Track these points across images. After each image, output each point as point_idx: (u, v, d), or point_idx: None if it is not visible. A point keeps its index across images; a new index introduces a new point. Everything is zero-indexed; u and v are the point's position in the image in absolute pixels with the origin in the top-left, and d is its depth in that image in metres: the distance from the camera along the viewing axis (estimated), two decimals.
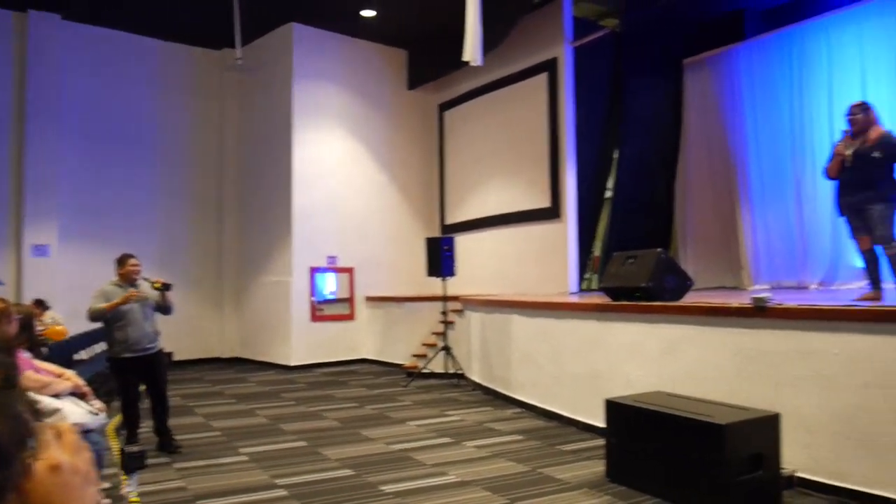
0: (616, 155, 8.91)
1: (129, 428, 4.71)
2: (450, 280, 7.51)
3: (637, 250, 5.21)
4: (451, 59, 7.84)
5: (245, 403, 6.51)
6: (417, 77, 10.07)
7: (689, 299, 4.86)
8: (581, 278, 8.50)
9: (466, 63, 6.74)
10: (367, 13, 8.90)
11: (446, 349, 7.41)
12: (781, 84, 8.05)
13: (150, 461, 3.84)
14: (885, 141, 4.52)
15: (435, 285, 7.97)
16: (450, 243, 7.57)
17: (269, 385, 7.66)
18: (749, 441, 3.27)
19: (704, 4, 8.40)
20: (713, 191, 8.81)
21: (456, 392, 6.90)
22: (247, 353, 9.80)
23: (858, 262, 7.15)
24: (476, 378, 7.05)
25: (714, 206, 8.80)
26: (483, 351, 6.84)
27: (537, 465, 4.14)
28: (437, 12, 8.30)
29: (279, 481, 3.91)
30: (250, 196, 9.93)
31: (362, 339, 9.52)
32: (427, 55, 9.75)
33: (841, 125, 7.32)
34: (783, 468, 3.41)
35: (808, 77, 7.79)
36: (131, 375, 4.73)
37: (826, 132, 7.56)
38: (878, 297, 4.44)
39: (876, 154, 4.50)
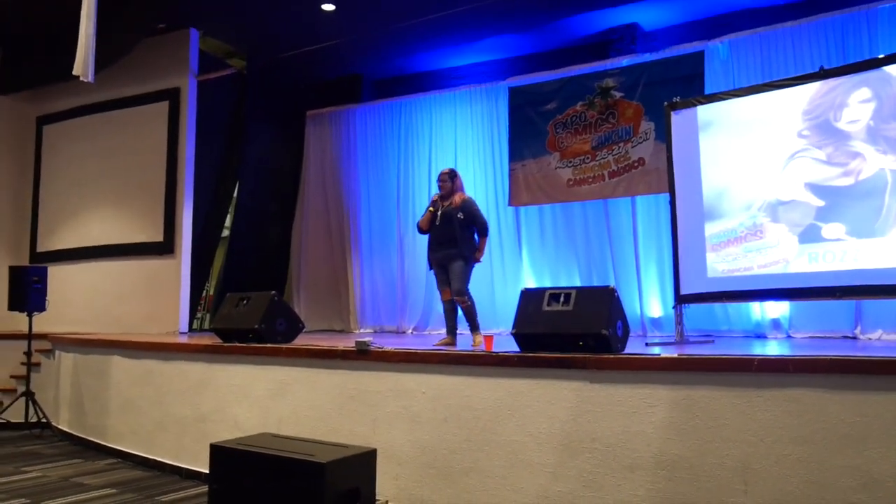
0: (235, 195, 8.87)
1: None
2: (38, 316, 6.61)
3: (251, 292, 5.24)
4: (56, 68, 7.03)
5: None
6: (12, 82, 8.74)
7: (300, 342, 5.03)
8: (192, 318, 8.20)
9: (75, 76, 6.13)
10: None
11: (28, 395, 6.46)
12: (391, 148, 8.94)
13: None
14: (466, 206, 5.39)
15: (19, 321, 6.94)
16: (40, 274, 6.68)
17: None
18: (348, 477, 3.46)
19: (325, 64, 8.93)
20: (327, 239, 9.30)
21: (39, 444, 6.03)
22: None
23: None
24: (65, 427, 6.27)
25: (327, 254, 9.28)
26: (75, 396, 6.13)
27: None
28: (43, 12, 7.39)
29: None
30: None
31: None
32: (26, 58, 8.55)
33: (438, 191, 8.48)
34: (378, 499, 3.69)
35: (413, 145, 8.79)
36: None
37: (426, 196, 8.59)
38: (452, 343, 5.20)
39: (459, 215, 5.31)
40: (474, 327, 5.35)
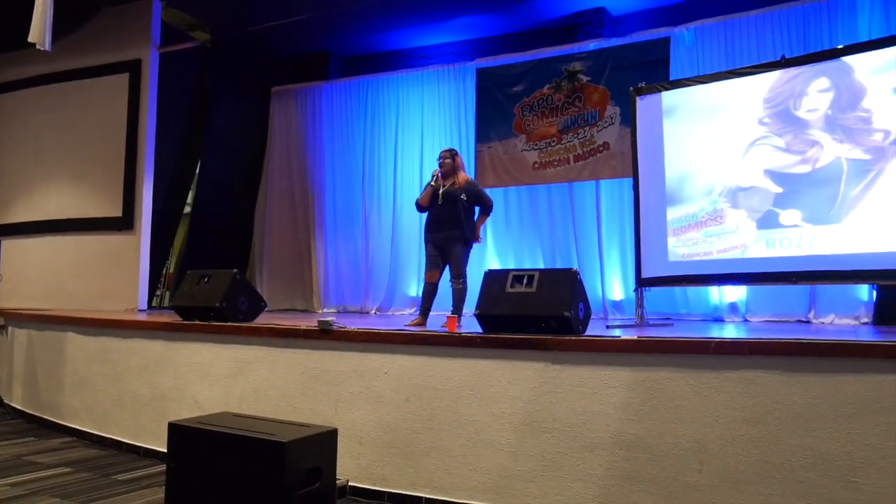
0: (197, 171, 8.72)
1: None
2: None
3: (212, 270, 5.17)
4: (10, 35, 6.80)
5: None
6: None
7: (262, 320, 4.99)
8: (152, 295, 8.07)
9: (32, 44, 5.94)
10: None
11: None
12: (357, 127, 8.87)
13: None
14: (470, 187, 5.41)
15: None
16: None
17: None
18: (308, 456, 3.46)
19: (292, 39, 8.80)
20: (292, 218, 9.21)
21: None
22: None
23: (411, 292, 8.23)
24: (18, 405, 6.14)
25: (291, 233, 9.20)
26: (29, 373, 6.00)
27: (86, 498, 3.79)
28: None
29: None
30: None
31: None
32: None
33: (404, 171, 8.47)
34: (338, 479, 3.70)
35: (379, 125, 8.73)
36: None
37: (391, 176, 8.57)
38: (422, 323, 5.16)
39: (463, 196, 5.29)
40: (459, 311, 5.27)
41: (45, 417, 5.71)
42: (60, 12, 6.04)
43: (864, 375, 2.88)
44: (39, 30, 5.85)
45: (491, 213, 5.57)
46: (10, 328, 6.56)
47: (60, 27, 6.30)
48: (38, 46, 5.89)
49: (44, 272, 7.99)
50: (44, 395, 5.78)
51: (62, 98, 8.22)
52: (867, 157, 4.78)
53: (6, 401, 6.36)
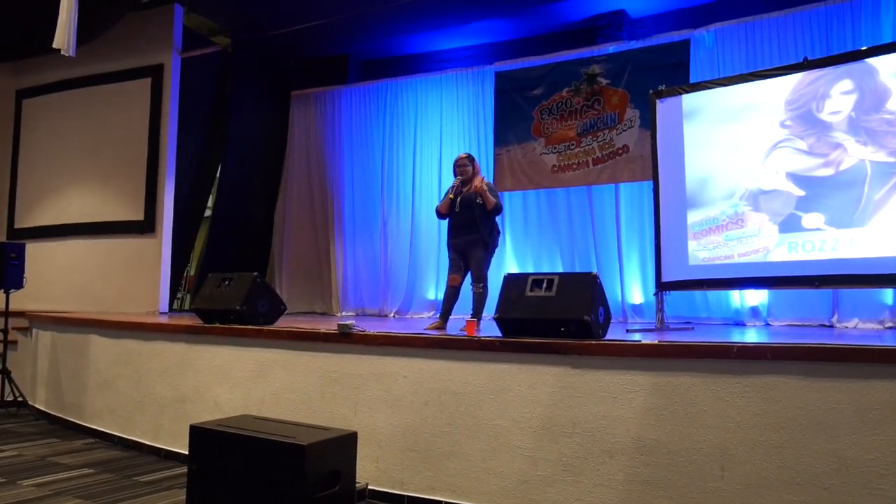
0: (218, 175, 8.79)
1: None
2: (16, 293, 6.53)
3: (233, 273, 5.21)
4: (36, 40, 6.90)
5: None
6: None
7: (282, 323, 5.02)
8: (173, 298, 8.15)
9: (56, 50, 6.03)
10: None
11: (5, 373, 6.40)
12: (376, 130, 8.89)
13: None
14: (486, 189, 5.34)
15: None
16: (18, 250, 6.59)
17: None
18: (328, 459, 3.47)
19: (311, 43, 8.85)
20: (311, 221, 9.25)
21: (14, 423, 5.99)
22: None
23: (430, 295, 8.24)
24: (42, 406, 6.22)
25: (310, 236, 9.24)
26: (53, 375, 6.08)
27: (109, 500, 3.83)
28: None
29: None
30: None
31: None
32: (5, 30, 8.37)
33: (422, 174, 8.48)
34: (358, 482, 3.70)
35: (398, 128, 8.74)
36: None
37: (410, 179, 8.57)
38: (442, 327, 5.15)
39: (479, 200, 5.27)
40: (478, 315, 5.25)
41: (68, 419, 5.78)
42: (85, 18, 6.12)
43: (889, 381, 2.84)
44: (64, 36, 5.93)
45: (496, 213, 5.36)
46: (34, 330, 6.65)
47: (84, 33, 6.38)
48: (62, 52, 5.97)
49: (67, 275, 8.09)
50: (67, 397, 5.85)
51: (86, 103, 8.33)
52: (891, 159, 4.72)
53: (30, 402, 6.44)
